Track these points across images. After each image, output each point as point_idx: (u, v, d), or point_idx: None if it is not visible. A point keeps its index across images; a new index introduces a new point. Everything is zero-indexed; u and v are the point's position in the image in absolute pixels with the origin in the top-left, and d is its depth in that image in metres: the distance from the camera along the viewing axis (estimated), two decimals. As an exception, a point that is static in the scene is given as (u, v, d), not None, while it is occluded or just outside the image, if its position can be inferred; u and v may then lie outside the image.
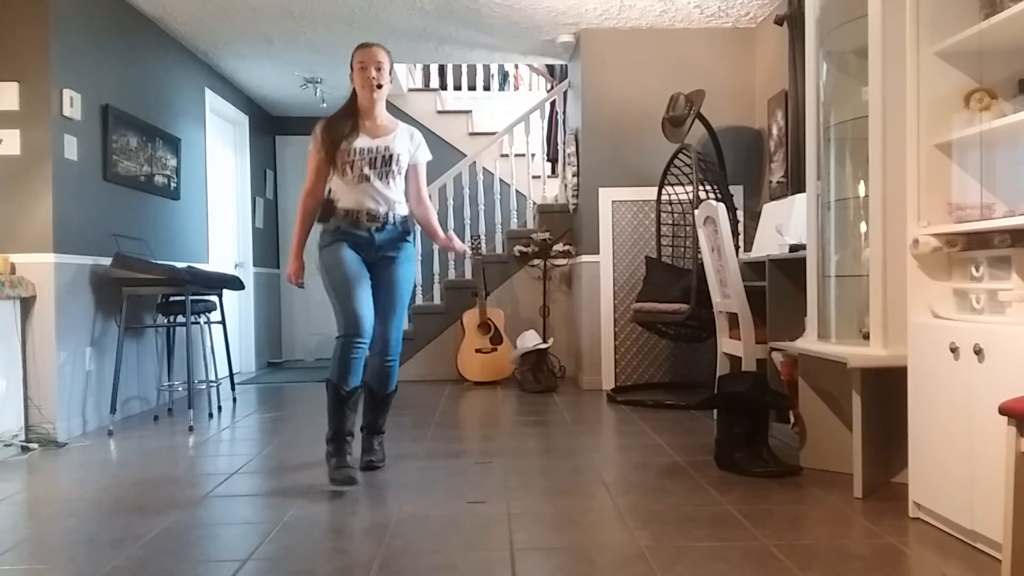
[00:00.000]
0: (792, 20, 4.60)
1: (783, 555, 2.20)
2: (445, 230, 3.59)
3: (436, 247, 6.32)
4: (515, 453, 3.56)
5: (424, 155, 3.46)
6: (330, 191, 3.30)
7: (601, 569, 2.13)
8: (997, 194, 2.38)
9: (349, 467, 3.05)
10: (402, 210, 3.35)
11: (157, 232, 5.12)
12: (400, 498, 2.85)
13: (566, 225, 6.25)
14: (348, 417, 3.14)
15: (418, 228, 6.26)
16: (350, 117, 3.30)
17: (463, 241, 6.62)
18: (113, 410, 4.26)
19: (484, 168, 6.52)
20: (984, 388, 2.15)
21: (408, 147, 3.38)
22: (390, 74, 3.33)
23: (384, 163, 3.27)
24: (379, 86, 3.26)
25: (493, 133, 6.99)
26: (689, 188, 5.07)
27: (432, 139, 7.13)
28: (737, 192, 5.40)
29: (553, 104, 6.89)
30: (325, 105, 7.25)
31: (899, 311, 2.69)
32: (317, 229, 3.33)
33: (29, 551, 2.37)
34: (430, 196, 6.14)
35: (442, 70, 7.66)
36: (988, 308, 2.27)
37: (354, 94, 3.32)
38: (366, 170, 3.23)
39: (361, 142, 3.26)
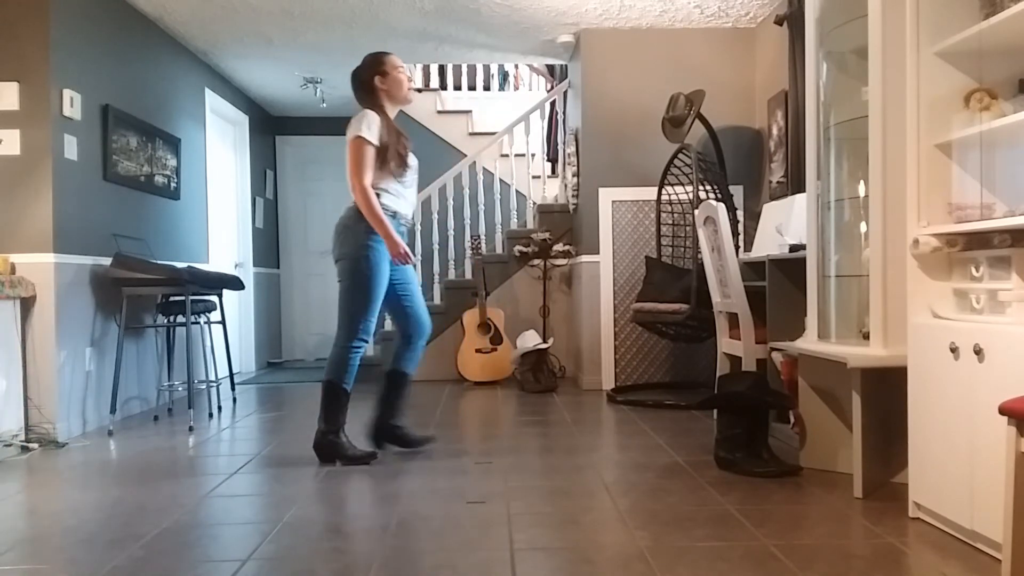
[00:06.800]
0: (792, 20, 4.60)
1: (783, 555, 2.20)
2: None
3: (436, 247, 6.40)
4: (515, 453, 3.56)
5: None
6: (383, 191, 3.34)
7: (601, 569, 2.13)
8: (997, 194, 2.39)
9: (357, 448, 3.41)
10: None
11: (157, 232, 5.12)
12: (400, 498, 2.85)
13: (566, 225, 6.25)
14: (346, 410, 3.43)
15: (418, 227, 6.42)
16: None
17: (463, 241, 6.62)
18: (113, 410, 4.26)
19: (484, 168, 6.52)
20: (984, 388, 2.15)
21: None
22: None
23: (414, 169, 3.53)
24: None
25: (493, 133, 6.98)
26: (689, 188, 5.07)
27: (432, 139, 7.14)
28: (737, 192, 5.40)
29: (553, 104, 6.88)
30: (325, 105, 7.26)
31: (899, 311, 2.69)
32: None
33: (29, 551, 2.37)
34: (429, 196, 6.29)
35: (442, 70, 7.65)
36: (988, 308, 2.27)
37: (379, 101, 3.42)
38: (414, 176, 3.49)
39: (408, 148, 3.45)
